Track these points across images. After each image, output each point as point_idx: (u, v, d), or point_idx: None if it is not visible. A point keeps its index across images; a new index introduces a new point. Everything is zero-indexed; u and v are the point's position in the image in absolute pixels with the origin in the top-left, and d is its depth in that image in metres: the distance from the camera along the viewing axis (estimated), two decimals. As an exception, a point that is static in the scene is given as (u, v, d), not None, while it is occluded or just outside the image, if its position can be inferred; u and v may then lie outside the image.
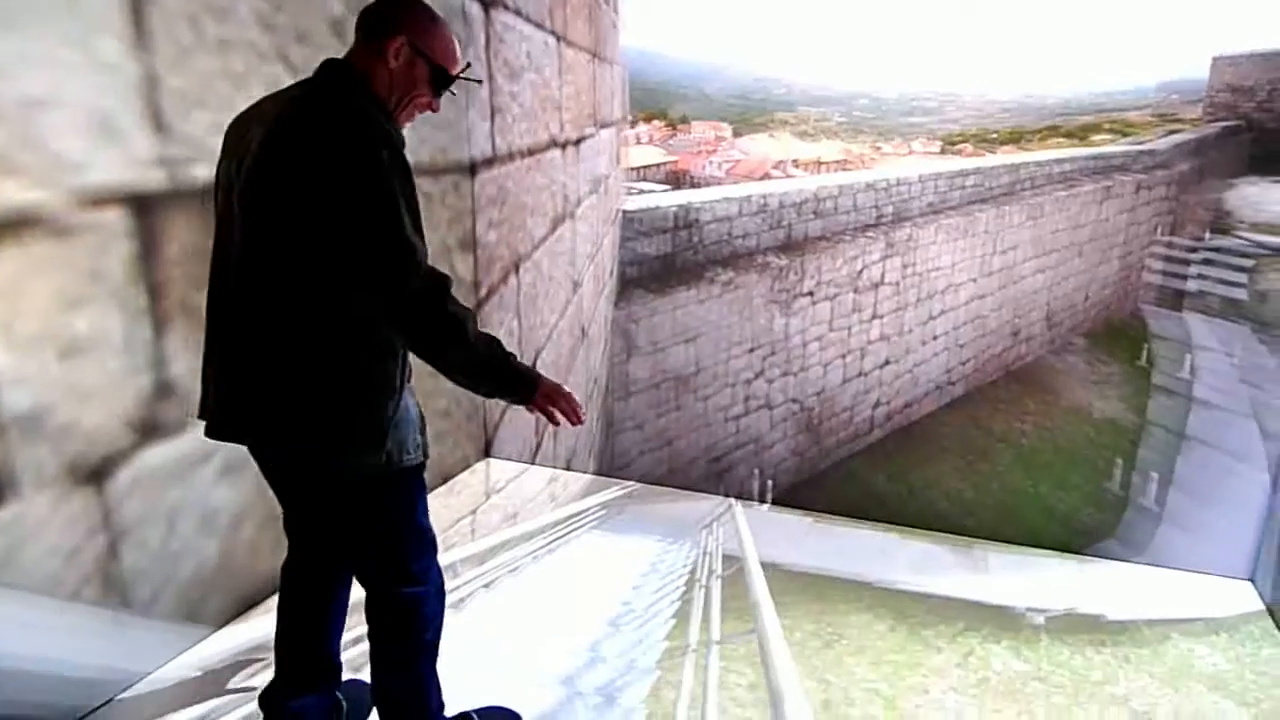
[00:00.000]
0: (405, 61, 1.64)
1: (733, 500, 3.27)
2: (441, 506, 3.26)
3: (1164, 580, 2.83)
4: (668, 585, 2.80)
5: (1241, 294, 2.06)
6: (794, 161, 2.39)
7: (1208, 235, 2.05)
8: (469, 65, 1.82)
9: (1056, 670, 2.42)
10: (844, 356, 2.54)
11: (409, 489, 1.76)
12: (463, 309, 1.60)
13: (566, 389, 1.79)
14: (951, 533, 2.90)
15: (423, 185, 2.35)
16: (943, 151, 2.23)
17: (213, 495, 2.14)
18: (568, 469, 3.48)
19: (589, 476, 3.48)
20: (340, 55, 2.38)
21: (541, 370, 1.87)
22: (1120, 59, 1.98)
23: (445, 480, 3.42)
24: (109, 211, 2.03)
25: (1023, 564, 2.94)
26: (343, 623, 2.01)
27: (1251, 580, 2.77)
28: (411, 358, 1.81)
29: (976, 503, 2.51)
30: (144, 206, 2.08)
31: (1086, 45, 1.93)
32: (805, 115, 2.39)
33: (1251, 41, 1.96)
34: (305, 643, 1.95)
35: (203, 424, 2.02)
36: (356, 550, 1.89)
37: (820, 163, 2.37)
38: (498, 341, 1.66)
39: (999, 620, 2.71)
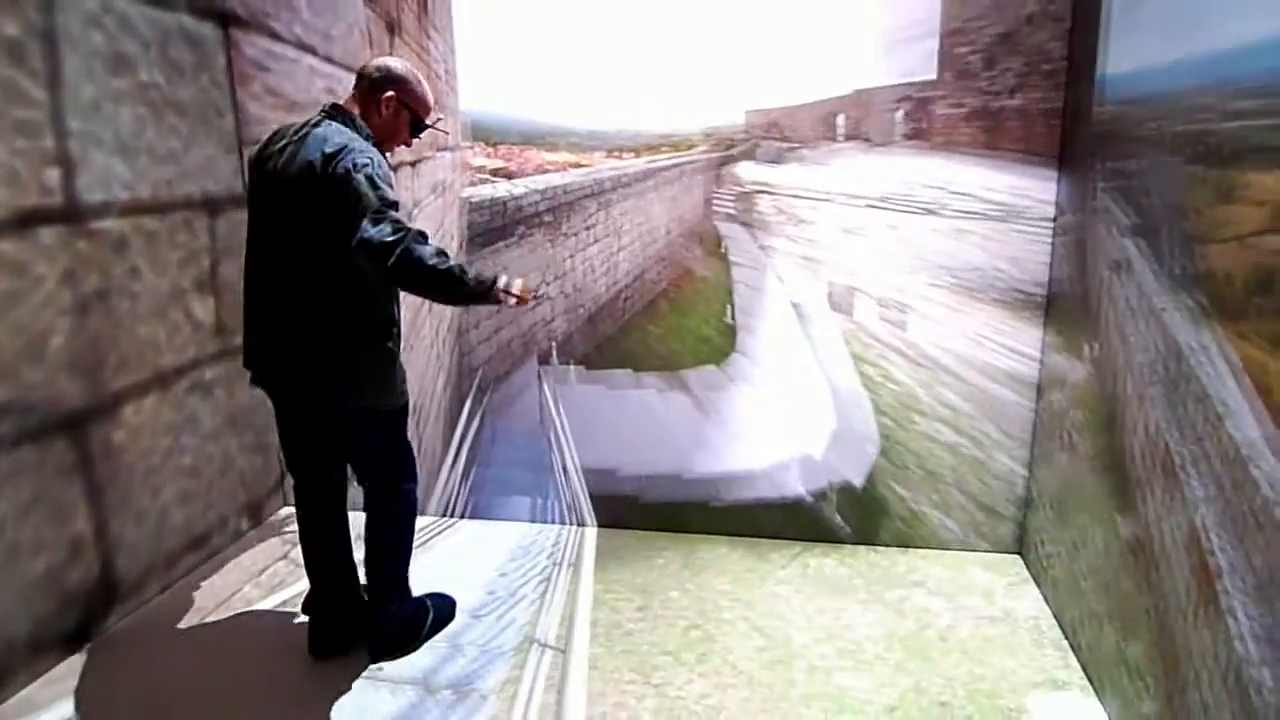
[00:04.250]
0: (393, 111, 1.99)
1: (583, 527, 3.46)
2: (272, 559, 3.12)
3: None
4: (534, 568, 3.00)
5: (754, 216, 4.17)
6: (567, 164, 3.95)
7: (736, 188, 4.08)
8: (440, 119, 2.22)
9: (872, 569, 2.88)
10: (604, 275, 3.97)
11: (403, 418, 2.13)
12: (441, 256, 1.81)
13: (505, 281, 2.02)
14: (668, 367, 3.55)
15: (145, 224, 2.31)
16: (637, 156, 4.10)
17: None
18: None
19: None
20: (24, 77, 2.17)
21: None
22: (705, 107, 3.86)
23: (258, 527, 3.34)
24: None
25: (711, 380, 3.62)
26: (348, 530, 2.23)
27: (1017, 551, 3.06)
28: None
29: (676, 342, 4.03)
30: None
31: (693, 98, 3.74)
32: (570, 140, 3.83)
33: (764, 100, 3.99)
34: (325, 551, 2.20)
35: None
36: (370, 462, 2.09)
37: (577, 164, 4.17)
38: (465, 270, 1.88)
39: (827, 540, 3.16)
